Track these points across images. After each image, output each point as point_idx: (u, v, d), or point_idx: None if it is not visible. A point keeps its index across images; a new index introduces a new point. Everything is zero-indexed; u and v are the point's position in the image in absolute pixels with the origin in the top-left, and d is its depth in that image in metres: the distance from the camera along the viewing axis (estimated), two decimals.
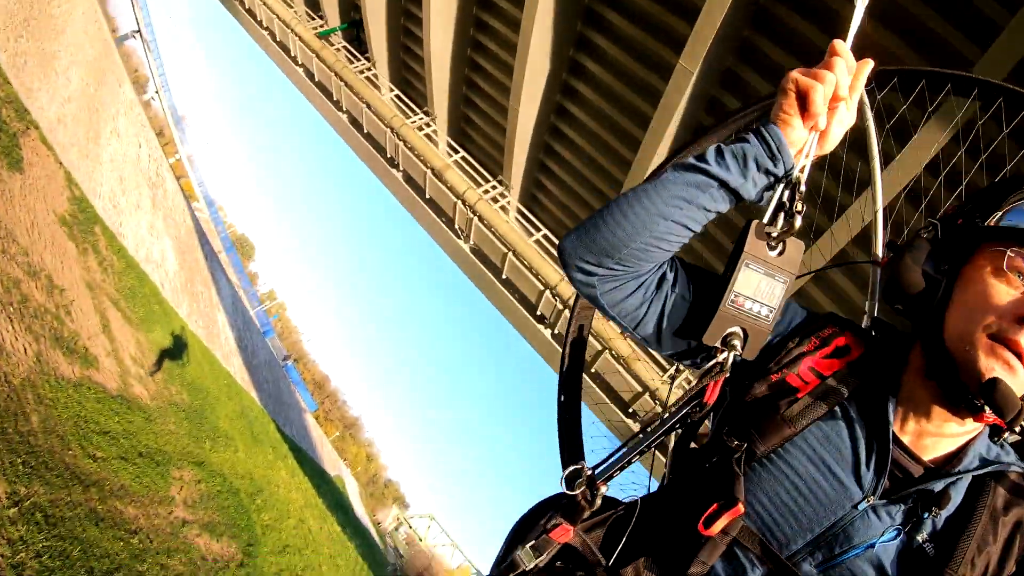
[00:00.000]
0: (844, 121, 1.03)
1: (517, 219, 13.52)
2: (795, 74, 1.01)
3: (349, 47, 16.50)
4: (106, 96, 14.64)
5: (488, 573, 1.18)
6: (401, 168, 14.01)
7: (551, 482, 1.24)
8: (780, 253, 1.02)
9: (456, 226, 12.97)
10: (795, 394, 1.05)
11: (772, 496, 1.02)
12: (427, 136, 14.33)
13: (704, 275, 1.16)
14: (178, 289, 15.26)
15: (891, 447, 1.00)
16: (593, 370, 9.84)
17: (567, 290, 10.38)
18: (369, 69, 15.76)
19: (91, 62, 14.10)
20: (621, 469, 1.12)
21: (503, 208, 13.36)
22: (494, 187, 13.74)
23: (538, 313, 11.31)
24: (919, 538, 0.96)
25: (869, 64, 1.03)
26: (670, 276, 1.14)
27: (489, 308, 13.02)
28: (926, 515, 0.96)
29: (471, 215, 12.17)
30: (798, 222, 1.00)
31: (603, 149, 11.74)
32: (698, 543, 1.01)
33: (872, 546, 0.97)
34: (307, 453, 24.10)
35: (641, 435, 1.11)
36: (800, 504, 1.00)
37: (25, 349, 6.51)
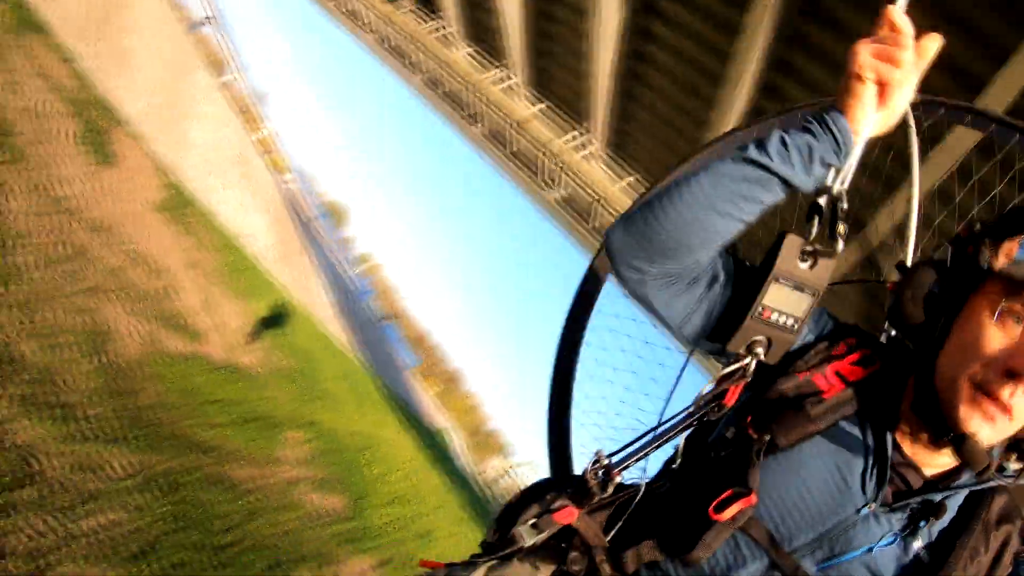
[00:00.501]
0: (909, 96, 0.96)
1: (603, 168, 13.32)
2: (869, 58, 0.93)
3: (419, 9, 16.42)
4: (185, 85, 15.29)
5: (481, 542, 1.19)
6: (483, 123, 14.04)
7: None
8: (812, 267, 1.00)
9: (543, 177, 12.89)
10: (820, 395, 1.05)
11: (783, 490, 1.02)
12: (507, 89, 14.19)
13: (744, 272, 1.12)
14: (275, 260, 16.02)
15: (890, 460, 1.00)
16: None
17: None
18: (442, 28, 15.66)
19: (167, 54, 14.71)
20: (637, 460, 1.14)
21: (589, 156, 13.18)
22: (578, 135, 13.49)
23: None
24: (915, 546, 0.99)
25: (938, 41, 0.94)
26: (722, 275, 1.11)
27: (581, 257, 12.97)
28: (923, 524, 0.98)
29: (557, 165, 12.09)
30: (840, 245, 0.97)
31: (685, 88, 11.22)
32: (705, 526, 1.00)
33: (870, 550, 0.98)
34: (411, 408, 25.16)
35: (659, 430, 1.13)
36: (808, 502, 1.01)
37: (136, 331, 7.03)
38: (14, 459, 4.35)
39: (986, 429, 0.93)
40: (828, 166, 0.98)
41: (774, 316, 1.02)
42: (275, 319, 13.14)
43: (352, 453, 12.69)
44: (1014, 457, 0.98)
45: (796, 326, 1.04)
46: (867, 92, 0.95)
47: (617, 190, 11.41)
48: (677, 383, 1.12)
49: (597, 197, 11.36)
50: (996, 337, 0.93)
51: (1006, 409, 0.92)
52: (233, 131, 17.36)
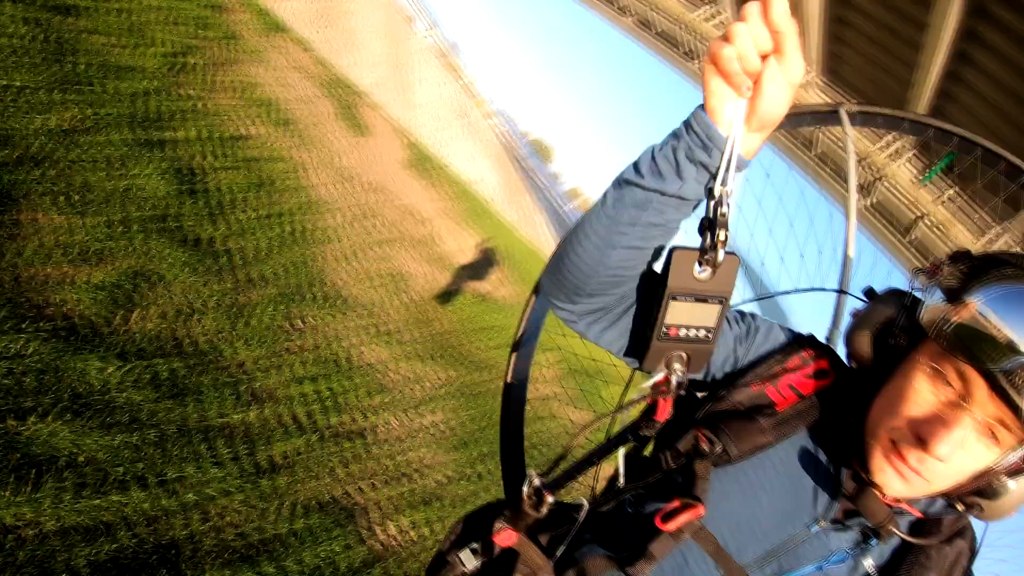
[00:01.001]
0: (778, 80, 0.81)
1: (818, 95, 12.72)
2: (713, 47, 0.83)
3: None
4: (402, 51, 16.67)
5: (429, 566, 1.19)
6: (700, 60, 14.34)
7: None
8: (712, 275, 0.91)
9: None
10: (773, 407, 1.03)
11: (733, 502, 1.01)
12: (718, 25, 14.68)
13: (652, 284, 1.02)
14: (504, 201, 17.20)
15: (841, 478, 0.99)
16: None
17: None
18: None
19: (382, 27, 16.10)
20: (569, 479, 1.13)
21: (805, 84, 12.80)
22: None
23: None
24: (865, 564, 0.97)
25: (778, 2, 0.80)
26: (632, 298, 1.07)
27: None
28: (873, 543, 0.96)
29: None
30: (721, 254, 0.87)
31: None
32: (651, 537, 0.98)
33: (820, 568, 0.97)
34: None
35: (592, 451, 1.12)
36: (758, 515, 0.99)
37: (421, 272, 8.25)
38: (368, 373, 5.54)
39: (897, 484, 0.92)
40: (699, 164, 0.88)
41: (682, 332, 0.97)
42: (513, 255, 14.22)
43: (590, 376, 13.55)
44: (960, 506, 0.96)
45: (710, 336, 0.98)
46: (712, 80, 0.84)
47: None
48: (620, 403, 1.09)
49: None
50: (922, 397, 0.90)
51: (915, 471, 0.90)
52: (449, 87, 18.66)
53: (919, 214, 12.73)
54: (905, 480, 0.91)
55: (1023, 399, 0.80)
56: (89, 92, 5.38)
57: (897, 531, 0.94)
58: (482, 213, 14.27)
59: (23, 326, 3.33)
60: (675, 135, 0.89)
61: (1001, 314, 0.83)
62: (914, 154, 14.02)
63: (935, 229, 12.72)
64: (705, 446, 1.00)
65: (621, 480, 1.10)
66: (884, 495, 0.94)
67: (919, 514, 0.99)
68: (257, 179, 6.61)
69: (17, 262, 3.62)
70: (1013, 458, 0.87)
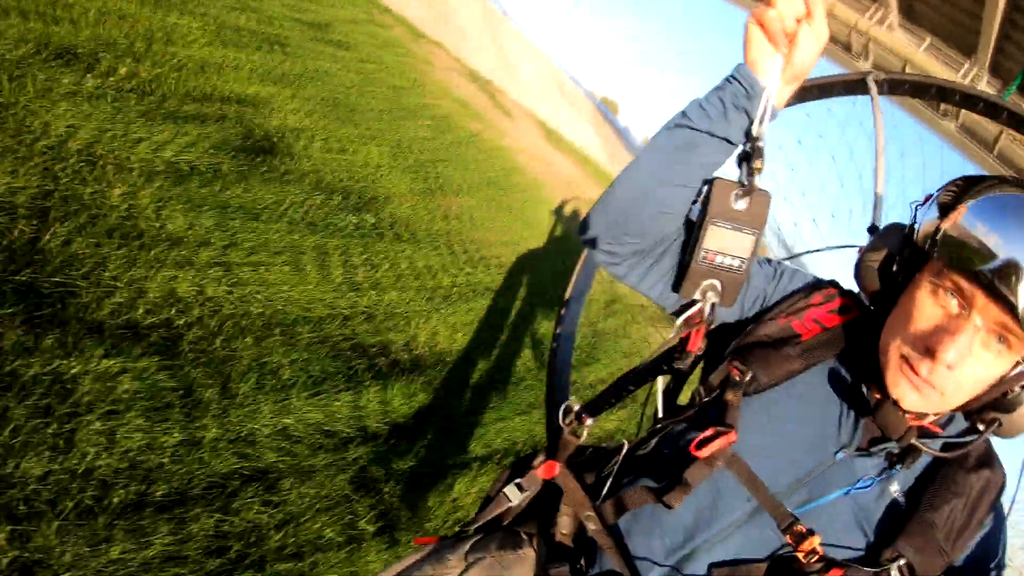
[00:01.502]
0: (810, 39, 0.93)
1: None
2: (756, 9, 0.95)
3: None
4: (498, 36, 18.04)
5: (478, 510, 1.22)
6: None
7: None
8: (747, 208, 0.99)
9: (853, 53, 13.25)
10: (799, 338, 1.07)
11: (764, 431, 1.03)
12: None
13: (690, 226, 1.10)
14: (606, 159, 18.68)
15: (866, 405, 1.01)
16: None
17: None
18: None
19: (479, 17, 17.42)
20: (607, 405, 1.17)
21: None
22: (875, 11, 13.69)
23: None
24: (892, 489, 0.99)
25: None
26: (673, 240, 1.12)
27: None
28: (897, 468, 0.99)
29: (865, 40, 12.37)
30: (757, 179, 0.96)
31: None
32: (686, 464, 1.00)
33: (848, 493, 0.99)
34: None
35: (625, 378, 1.16)
36: (787, 443, 1.03)
37: None
38: None
39: (912, 396, 0.94)
40: (741, 109, 0.97)
41: (718, 259, 1.01)
42: None
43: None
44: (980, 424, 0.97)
45: (743, 265, 1.02)
46: (753, 35, 0.94)
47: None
48: (663, 349, 1.14)
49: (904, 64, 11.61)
50: (928, 312, 0.93)
51: (927, 383, 0.92)
52: (539, 61, 20.11)
53: (1000, 130, 13.26)
54: (919, 391, 0.94)
55: (1018, 297, 0.83)
56: None
57: (925, 449, 0.96)
58: (599, 174, 15.79)
59: None
60: (719, 87, 0.99)
61: (985, 219, 0.88)
62: (987, 81, 14.77)
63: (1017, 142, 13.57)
64: (736, 375, 1.03)
65: (660, 411, 1.14)
66: (904, 411, 0.96)
67: (938, 430, 1.00)
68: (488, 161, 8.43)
69: None
70: None
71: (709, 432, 1.00)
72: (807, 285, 1.16)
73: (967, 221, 0.90)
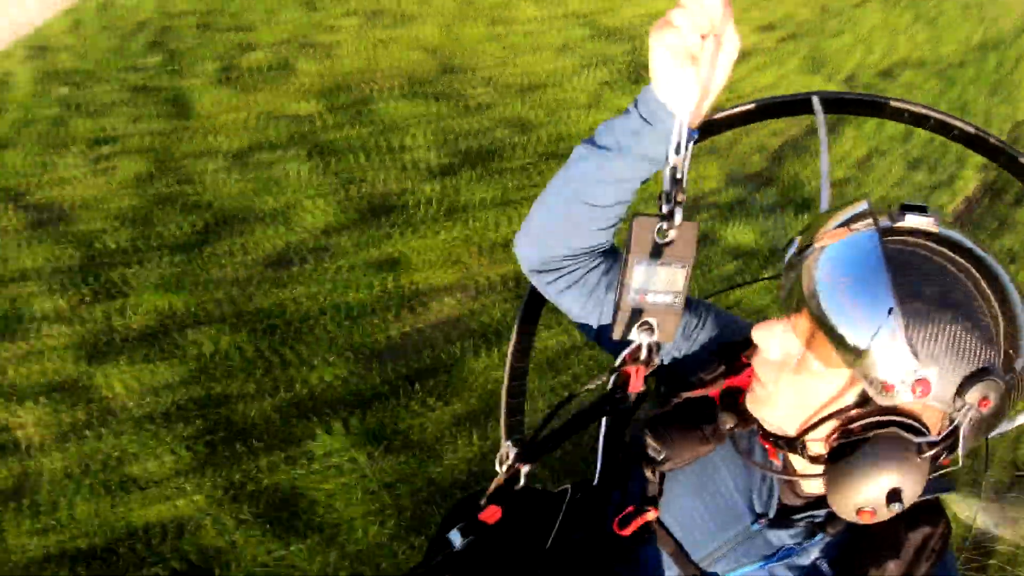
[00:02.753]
0: (719, 55, 0.88)
1: None
2: (652, 27, 0.89)
3: None
4: None
5: (424, 557, 1.23)
6: None
7: None
8: (671, 242, 0.95)
9: None
10: (714, 410, 1.04)
11: (683, 502, 1.04)
12: None
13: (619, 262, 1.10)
14: None
15: (769, 470, 0.99)
16: None
17: None
18: None
19: None
20: (546, 452, 1.15)
21: None
22: None
23: None
24: (813, 557, 0.96)
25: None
26: (598, 269, 1.13)
27: None
28: (819, 536, 0.95)
29: None
30: (677, 217, 0.90)
31: None
32: (614, 542, 1.05)
33: (764, 566, 0.98)
34: None
35: (567, 422, 1.15)
36: (704, 515, 1.03)
37: None
38: None
39: (748, 399, 0.95)
40: (643, 133, 0.95)
41: (649, 296, 0.98)
42: None
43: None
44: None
45: (677, 300, 0.99)
46: (656, 55, 0.87)
47: None
48: (600, 392, 1.13)
49: None
50: None
51: (753, 375, 0.94)
52: None
53: None
54: (752, 392, 0.93)
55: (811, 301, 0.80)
56: None
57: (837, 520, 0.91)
58: None
59: None
60: (626, 112, 0.96)
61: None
62: None
63: None
64: (651, 452, 1.02)
65: (600, 458, 1.15)
66: (799, 482, 0.96)
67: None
68: None
69: None
70: (836, 382, 0.83)
71: (629, 510, 1.03)
72: (728, 344, 1.09)
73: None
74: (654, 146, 0.96)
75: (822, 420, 0.85)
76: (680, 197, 0.90)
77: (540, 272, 1.14)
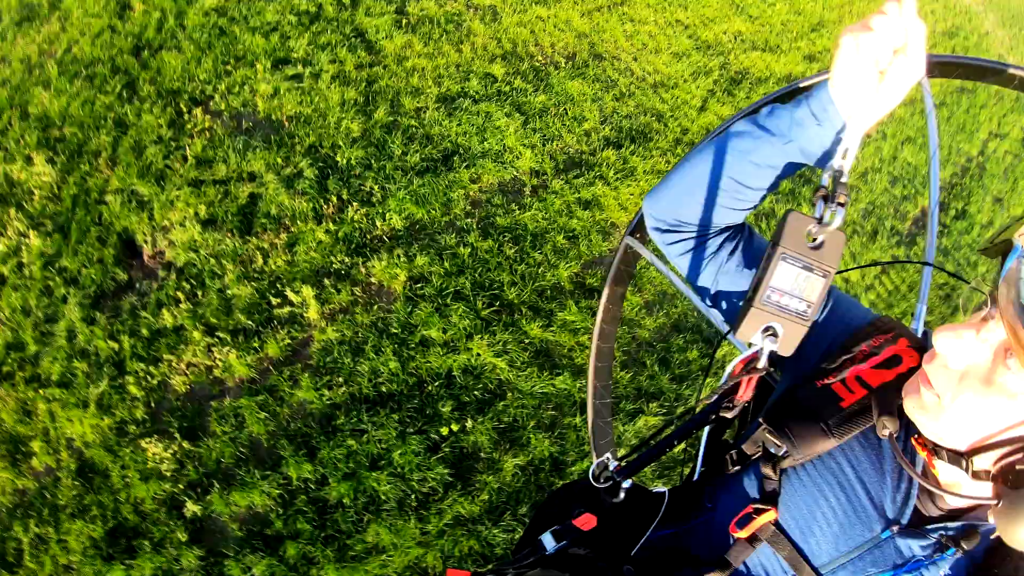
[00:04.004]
0: (903, 72, 0.86)
1: None
2: (849, 31, 0.88)
3: None
4: None
5: (513, 553, 1.20)
6: None
7: None
8: (819, 246, 0.92)
9: None
10: (839, 403, 0.97)
11: (804, 505, 0.97)
12: None
13: (759, 254, 1.05)
14: None
15: (916, 479, 0.91)
16: None
17: None
18: None
19: None
20: (646, 464, 1.12)
21: None
22: None
23: None
24: (941, 574, 0.91)
25: (912, 1, 0.85)
26: (731, 243, 1.12)
27: None
28: (951, 552, 0.89)
29: None
30: (839, 217, 0.88)
31: None
32: (727, 544, 1.00)
33: (895, 575, 0.92)
34: None
35: (670, 429, 1.12)
36: (828, 519, 0.96)
37: None
38: None
39: (911, 399, 0.90)
40: (807, 126, 0.95)
41: (784, 300, 0.93)
42: None
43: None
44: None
45: (809, 311, 0.94)
46: (847, 56, 0.87)
47: None
48: (710, 366, 1.05)
49: None
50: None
51: (923, 377, 0.87)
52: None
53: None
54: (916, 393, 0.87)
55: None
56: None
57: (965, 537, 0.88)
58: None
59: None
60: (797, 101, 0.97)
61: None
62: None
63: None
64: (771, 448, 0.98)
65: (699, 463, 1.12)
66: (943, 495, 0.89)
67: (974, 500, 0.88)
68: None
69: None
70: None
71: (748, 509, 0.98)
72: (853, 330, 1.06)
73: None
74: (813, 141, 0.95)
75: (1004, 443, 0.80)
76: (842, 199, 0.87)
77: (664, 231, 1.14)
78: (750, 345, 0.98)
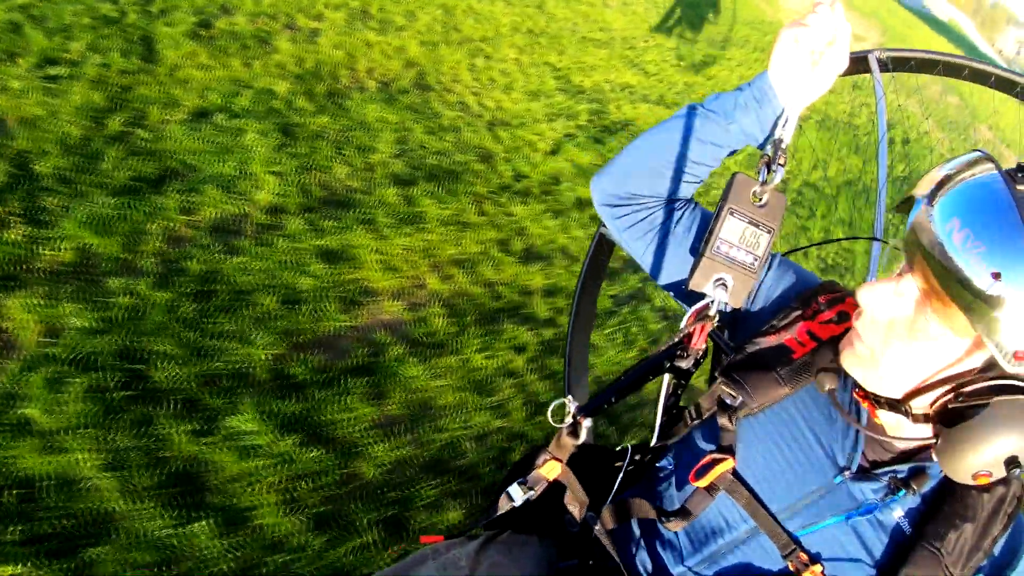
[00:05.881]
0: (832, 64, 1.02)
1: None
2: (785, 24, 1.04)
3: None
4: None
5: (485, 510, 1.21)
6: None
7: None
8: (763, 205, 1.03)
9: None
10: (790, 355, 1.03)
11: (760, 454, 1.02)
12: None
13: (706, 218, 1.16)
14: None
15: (862, 426, 0.96)
16: None
17: None
18: None
19: None
20: (605, 404, 1.15)
21: None
22: None
23: None
24: (895, 515, 0.95)
25: (839, 3, 1.02)
26: (679, 213, 1.17)
27: None
28: (902, 494, 0.93)
29: None
30: (778, 176, 1.00)
31: None
32: (686, 493, 1.04)
33: (848, 519, 0.96)
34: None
35: (624, 375, 1.14)
36: (782, 466, 1.00)
37: None
38: None
39: (847, 354, 0.94)
40: (751, 109, 1.06)
41: (732, 252, 1.02)
42: None
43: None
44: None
45: (756, 264, 1.03)
46: (779, 47, 1.03)
47: None
48: (665, 346, 1.12)
49: None
50: None
51: (855, 333, 0.93)
52: None
53: None
54: (850, 346, 0.93)
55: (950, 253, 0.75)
56: None
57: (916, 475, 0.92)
58: None
59: None
60: (739, 88, 1.09)
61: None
62: None
63: None
64: (727, 399, 1.01)
65: (659, 414, 1.13)
66: (890, 440, 0.94)
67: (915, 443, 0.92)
68: None
69: None
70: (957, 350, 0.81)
71: (707, 460, 1.01)
72: (803, 290, 1.12)
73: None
74: (753, 123, 1.08)
75: (935, 384, 0.84)
76: (782, 160, 1.01)
77: (613, 207, 1.20)
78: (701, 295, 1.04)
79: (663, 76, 8.41)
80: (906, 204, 0.87)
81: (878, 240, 1.67)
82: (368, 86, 4.99)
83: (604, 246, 2.24)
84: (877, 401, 0.92)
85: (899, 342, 0.86)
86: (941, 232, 0.77)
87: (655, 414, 1.17)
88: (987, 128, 13.75)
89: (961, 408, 0.81)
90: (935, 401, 0.85)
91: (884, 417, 0.96)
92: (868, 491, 0.96)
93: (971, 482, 0.81)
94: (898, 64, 1.58)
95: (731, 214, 1.02)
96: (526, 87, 6.16)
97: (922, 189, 0.83)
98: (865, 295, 0.88)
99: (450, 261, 3.83)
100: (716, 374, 1.09)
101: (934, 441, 0.84)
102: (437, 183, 4.30)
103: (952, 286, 0.75)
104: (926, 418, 0.87)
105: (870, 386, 0.93)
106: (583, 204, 4.84)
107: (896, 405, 0.90)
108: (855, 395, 0.98)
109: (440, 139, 4.75)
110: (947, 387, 0.84)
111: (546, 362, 3.49)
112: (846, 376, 0.98)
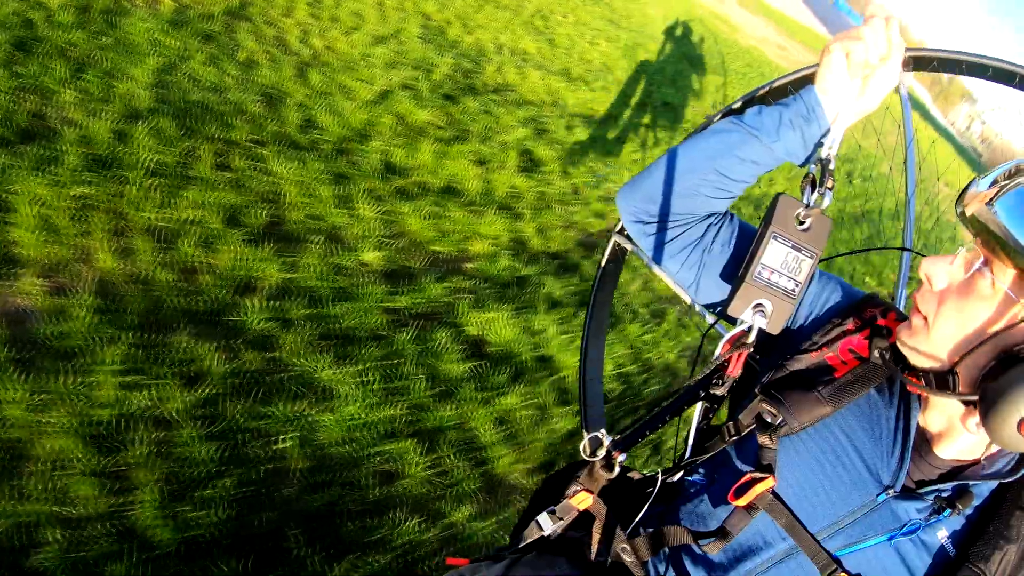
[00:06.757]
0: (883, 80, 1.01)
1: None
2: (837, 38, 1.01)
3: None
4: None
5: (510, 537, 1.19)
6: None
7: None
8: (807, 229, 1.00)
9: None
10: (832, 374, 1.02)
11: (801, 473, 1.00)
12: None
13: (746, 235, 1.14)
14: None
15: (910, 444, 0.96)
16: None
17: None
18: None
19: None
20: (640, 438, 1.14)
21: None
22: None
23: None
24: (939, 535, 0.94)
25: (896, 18, 1.00)
26: (715, 229, 1.15)
27: None
28: (947, 513, 0.93)
29: None
30: (826, 200, 0.98)
31: None
32: (725, 513, 1.02)
33: (891, 539, 0.95)
34: None
35: (661, 406, 1.13)
36: (824, 485, 0.99)
37: None
38: None
39: (903, 330, 0.96)
40: (797, 127, 1.02)
41: (774, 277, 1.00)
42: None
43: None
44: None
45: (797, 290, 1.01)
46: (831, 61, 0.99)
47: None
48: (699, 351, 1.13)
49: None
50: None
51: (916, 309, 0.94)
52: None
53: None
54: (908, 326, 0.94)
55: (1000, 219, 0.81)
56: None
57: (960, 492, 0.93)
58: None
59: None
60: (784, 102, 1.06)
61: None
62: None
63: None
64: (767, 417, 1.00)
65: (691, 438, 1.12)
66: (934, 453, 0.96)
67: (973, 461, 0.95)
68: None
69: None
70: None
71: (746, 478, 0.98)
72: (844, 306, 1.11)
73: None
74: (798, 141, 1.04)
75: (982, 343, 0.85)
76: (829, 183, 0.98)
77: (644, 223, 1.16)
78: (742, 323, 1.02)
79: (574, 51, 7.85)
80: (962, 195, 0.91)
81: (907, 250, 1.65)
82: (164, 7, 4.38)
83: (612, 273, 2.22)
84: (927, 380, 0.92)
85: (951, 303, 0.88)
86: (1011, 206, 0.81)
87: (683, 432, 1.16)
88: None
89: (1004, 361, 0.82)
90: (984, 365, 0.85)
91: (932, 421, 0.97)
92: (912, 511, 0.95)
93: (1018, 435, 0.79)
94: (920, 64, 1.55)
95: (774, 238, 1.00)
96: (376, 32, 5.47)
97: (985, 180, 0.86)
98: (926, 265, 0.92)
99: (143, 229, 2.87)
100: (755, 391, 1.06)
101: (977, 405, 0.85)
102: (179, 120, 3.49)
103: (1012, 251, 0.80)
104: (972, 388, 0.86)
105: (920, 360, 0.93)
106: (393, 170, 4.02)
107: (943, 378, 0.89)
108: (906, 377, 0.96)
109: (222, 73, 4.01)
110: (994, 350, 0.84)
111: (229, 410, 2.38)
112: (891, 389, 1.01)
